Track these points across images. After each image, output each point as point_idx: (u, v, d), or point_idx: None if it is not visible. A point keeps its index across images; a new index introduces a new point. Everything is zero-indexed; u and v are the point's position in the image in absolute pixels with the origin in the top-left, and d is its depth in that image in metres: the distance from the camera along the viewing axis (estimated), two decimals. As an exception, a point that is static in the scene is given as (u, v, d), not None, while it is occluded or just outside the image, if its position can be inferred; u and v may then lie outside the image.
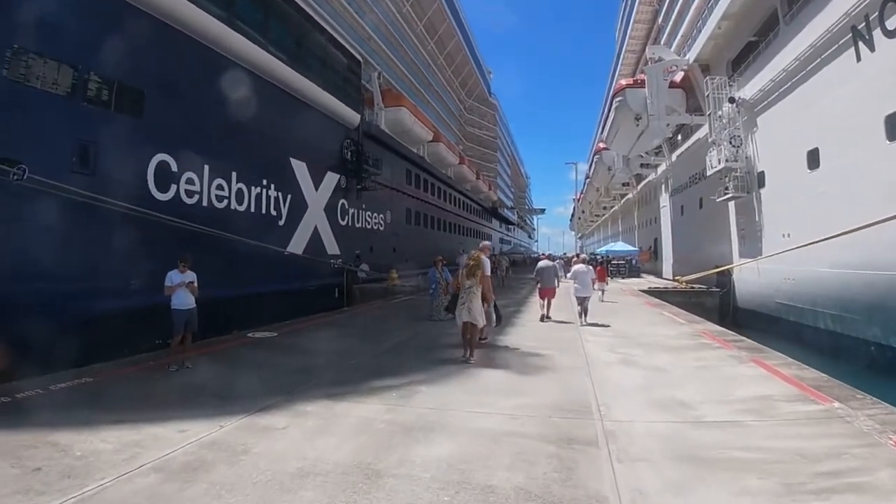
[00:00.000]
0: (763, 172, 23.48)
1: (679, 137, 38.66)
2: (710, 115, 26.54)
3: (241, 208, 18.39)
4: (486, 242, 14.19)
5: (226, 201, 17.64)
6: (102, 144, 13.42)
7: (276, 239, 19.94)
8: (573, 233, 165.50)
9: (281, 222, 20.70)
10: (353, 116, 26.80)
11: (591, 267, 17.53)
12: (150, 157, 14.76)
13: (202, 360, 10.41)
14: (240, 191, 18.31)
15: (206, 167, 16.72)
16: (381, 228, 31.81)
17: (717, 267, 27.03)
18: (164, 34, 15.23)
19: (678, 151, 38.34)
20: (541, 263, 17.88)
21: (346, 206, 26.69)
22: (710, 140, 26.63)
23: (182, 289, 9.93)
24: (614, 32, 67.12)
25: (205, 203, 16.68)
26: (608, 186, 65.28)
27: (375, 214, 30.77)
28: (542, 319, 15.96)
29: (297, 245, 21.59)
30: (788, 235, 20.41)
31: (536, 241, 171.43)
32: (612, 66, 67.81)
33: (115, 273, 13.39)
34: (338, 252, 25.02)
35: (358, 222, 28.32)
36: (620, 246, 44.61)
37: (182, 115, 15.81)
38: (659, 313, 17.96)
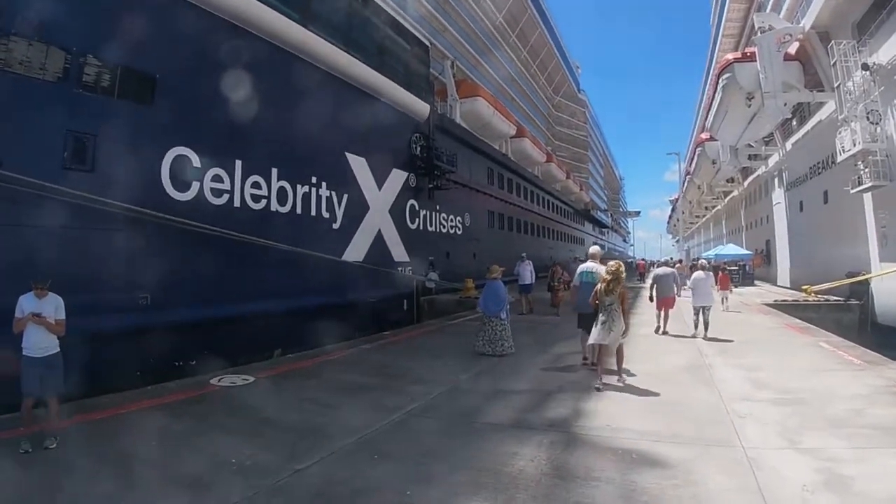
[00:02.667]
0: None
1: (794, 122, 33.45)
2: (837, 87, 21.97)
3: (285, 209, 15.95)
4: (596, 248, 11.67)
5: (264, 202, 15.21)
6: (102, 137, 11.29)
7: (328, 245, 17.37)
8: (670, 236, 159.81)
9: (335, 226, 18.07)
10: (421, 107, 23.90)
11: (710, 273, 15.46)
12: (165, 150, 12.49)
13: (78, 434, 6.51)
14: (282, 190, 15.85)
15: (239, 162, 14.36)
16: (459, 232, 28.73)
17: (853, 275, 22.52)
18: (182, 10, 13.03)
19: (794, 138, 33.13)
20: (658, 270, 16.22)
21: (417, 208, 23.82)
22: (839, 118, 22.01)
23: (34, 325, 6.16)
24: (709, 8, 61.63)
25: (237, 203, 14.33)
26: (711, 183, 59.22)
27: (452, 217, 27.75)
28: (657, 331, 14.55)
29: (355, 251, 18.89)
30: None
31: (632, 245, 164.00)
32: (709, 50, 62.29)
33: (116, 285, 11.24)
34: (406, 259, 22.18)
35: (431, 225, 25.38)
36: (731, 249, 38.73)
37: (206, 102, 13.54)
38: (814, 344, 12.60)
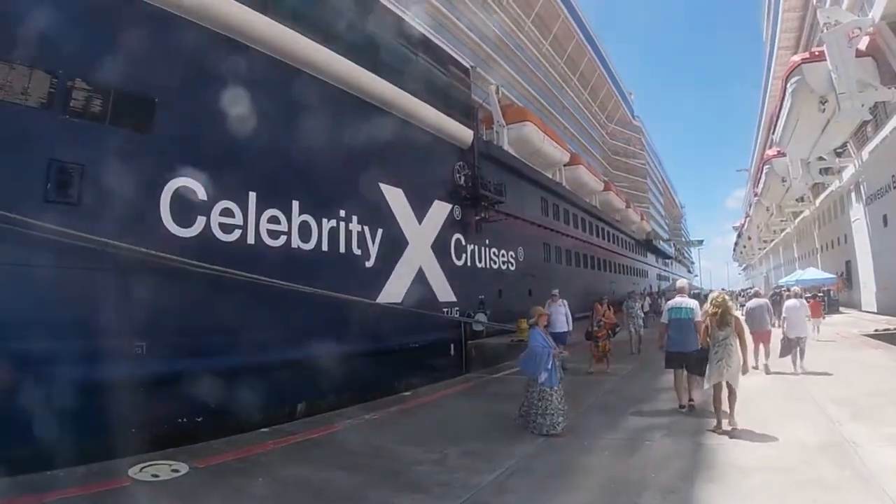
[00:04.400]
0: None
1: (868, 128, 30.47)
2: None
3: (308, 246, 14.12)
4: (684, 281, 11.65)
5: (283, 238, 13.42)
6: (92, 167, 9.96)
7: (360, 284, 15.51)
8: (736, 264, 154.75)
9: (368, 263, 16.16)
10: (464, 134, 22.00)
11: (804, 302, 14.56)
12: (164, 181, 10.94)
13: None
14: (304, 224, 14.03)
15: (253, 195, 12.68)
16: (512, 268, 26.40)
17: None
18: (187, 26, 11.64)
19: (871, 145, 29.91)
20: (751, 303, 14.82)
21: (463, 242, 21.70)
22: None
23: None
24: (760, 23, 58.72)
25: (251, 240, 12.59)
26: (781, 204, 55.25)
27: (503, 251, 25.48)
28: (759, 367, 13.29)
29: (393, 292, 16.88)
30: None
31: (696, 275, 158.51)
32: (765, 66, 59.27)
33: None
34: (453, 299, 20.07)
35: (480, 261, 23.15)
36: (812, 273, 35.41)
37: (214, 128, 11.99)
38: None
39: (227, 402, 10.88)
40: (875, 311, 30.70)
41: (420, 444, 7.93)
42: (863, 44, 24.42)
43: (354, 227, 15.66)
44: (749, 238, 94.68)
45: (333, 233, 14.94)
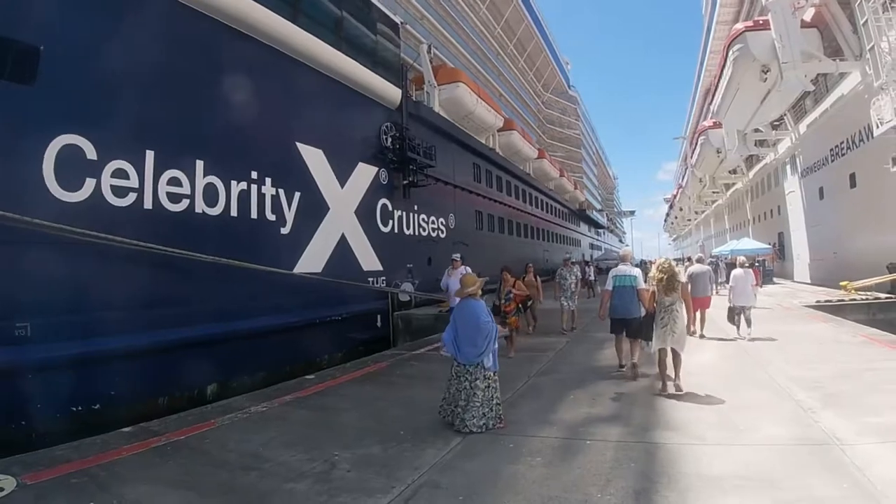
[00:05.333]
0: None
1: (807, 102, 30.64)
2: (871, 49, 19.11)
3: (214, 211, 12.68)
4: (628, 249, 11.47)
5: (185, 202, 11.95)
6: None
7: (275, 253, 14.24)
8: (667, 235, 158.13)
9: (284, 230, 14.84)
10: (392, 93, 20.74)
11: (750, 271, 13.92)
12: (48, 139, 9.49)
13: None
14: (210, 187, 12.59)
15: (151, 154, 11.19)
16: (442, 235, 25.43)
17: (894, 267, 19.75)
18: None
19: (809, 119, 30.18)
20: (694, 269, 14.52)
21: (390, 208, 20.56)
22: (875, 85, 19.09)
23: None
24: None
25: (148, 204, 11.11)
26: (714, 175, 55.93)
27: (433, 218, 24.48)
28: (692, 334, 11.36)
29: (312, 261, 15.65)
30: None
31: (628, 245, 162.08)
32: (703, 39, 59.33)
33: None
34: (379, 267, 18.99)
35: (408, 228, 22.10)
36: (748, 244, 35.42)
37: (106, 79, 10.59)
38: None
39: (121, 389, 9.93)
40: (808, 281, 31.16)
41: (307, 449, 6.17)
42: (808, 15, 24.26)
43: (268, 189, 14.27)
44: (681, 209, 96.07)
45: (244, 196, 13.52)
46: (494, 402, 6.77)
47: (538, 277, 16.12)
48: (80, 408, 9.33)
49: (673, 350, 8.44)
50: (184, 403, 9.85)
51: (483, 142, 35.02)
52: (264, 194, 14.14)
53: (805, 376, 8.68)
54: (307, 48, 16.08)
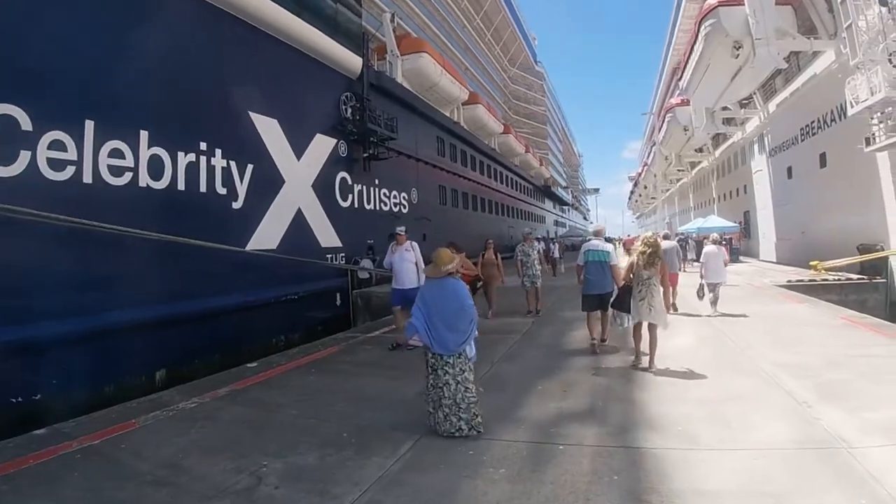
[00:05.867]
0: None
1: (777, 81, 30.64)
2: (847, 27, 18.84)
3: (160, 185, 11.81)
4: (601, 224, 11.69)
5: (128, 175, 11.05)
6: None
7: (227, 229, 13.42)
8: (631, 212, 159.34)
9: (236, 205, 13.99)
10: (352, 62, 19.90)
11: (722, 248, 13.98)
12: None
13: None
14: (155, 159, 11.71)
15: (90, 123, 10.29)
16: (405, 210, 24.81)
17: (866, 248, 19.91)
18: None
19: (779, 98, 30.22)
20: (662, 244, 12.97)
21: (350, 182, 19.82)
22: (851, 64, 18.90)
23: None
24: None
25: (87, 178, 10.22)
26: (681, 153, 56.26)
27: (395, 193, 23.84)
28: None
29: (266, 237, 14.84)
30: None
31: (592, 222, 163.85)
32: (673, 13, 58.87)
33: None
34: (338, 244, 18.28)
35: (369, 203, 21.40)
36: (715, 221, 35.32)
37: (39, 41, 9.62)
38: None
39: (61, 378, 9.12)
40: (774, 260, 31.32)
41: (234, 456, 5.30)
42: None
43: (218, 161, 13.41)
44: (645, 187, 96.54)
45: (192, 169, 12.65)
46: (476, 398, 5.91)
47: (499, 255, 14.43)
48: (20, 399, 8.58)
49: (650, 325, 8.35)
50: (132, 392, 9.15)
51: (447, 115, 34.37)
52: (214, 166, 13.27)
53: (791, 362, 8.10)
54: (262, 12, 15.18)
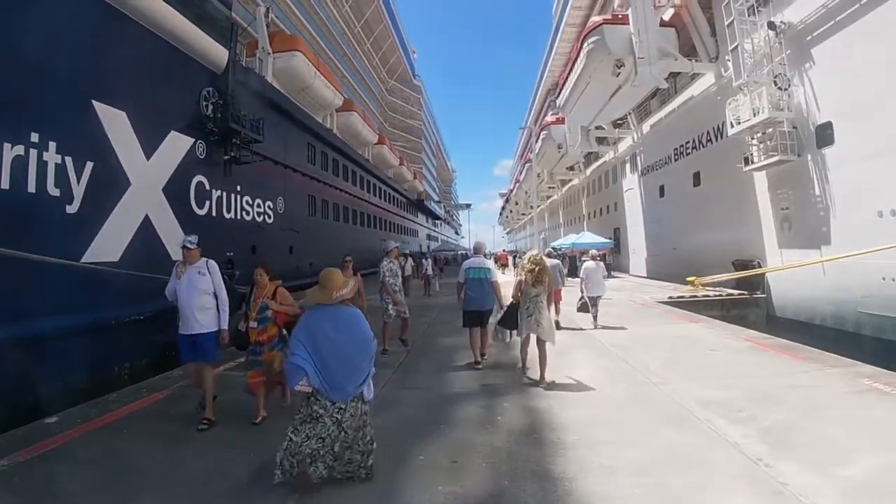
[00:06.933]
0: (829, 124, 16.60)
1: (651, 103, 31.98)
2: (733, 50, 19.55)
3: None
4: (481, 241, 11.59)
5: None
6: None
7: (59, 237, 11.51)
8: (501, 227, 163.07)
9: (71, 208, 11.94)
10: (217, 54, 18.12)
11: (601, 263, 14.88)
12: None
13: None
14: (-32, 150, 9.66)
15: None
16: (270, 220, 23.10)
17: (743, 264, 20.58)
18: None
19: (653, 119, 31.56)
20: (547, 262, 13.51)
21: (208, 187, 17.92)
22: (734, 85, 19.67)
23: None
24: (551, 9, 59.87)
25: None
26: (553, 171, 57.74)
27: (259, 201, 22.07)
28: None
29: (107, 247, 12.84)
30: (895, 213, 14.22)
31: (463, 237, 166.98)
32: (550, 37, 60.28)
33: None
34: (193, 256, 16.33)
35: (229, 211, 19.52)
36: (589, 237, 35.76)
37: None
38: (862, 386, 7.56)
39: None
40: (645, 275, 32.67)
41: None
42: (667, 15, 24.91)
43: (52, 157, 11.39)
44: (517, 203, 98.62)
45: (19, 164, 10.63)
46: (371, 443, 4.87)
47: (359, 275, 10.61)
48: None
49: (538, 340, 8.51)
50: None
51: (320, 121, 32.94)
52: (46, 162, 11.26)
53: (718, 399, 7.12)
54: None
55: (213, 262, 7.22)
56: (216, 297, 7.01)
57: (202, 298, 6.88)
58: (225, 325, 7.01)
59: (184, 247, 7.08)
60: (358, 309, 4.97)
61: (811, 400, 6.96)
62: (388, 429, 6.10)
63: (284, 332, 7.10)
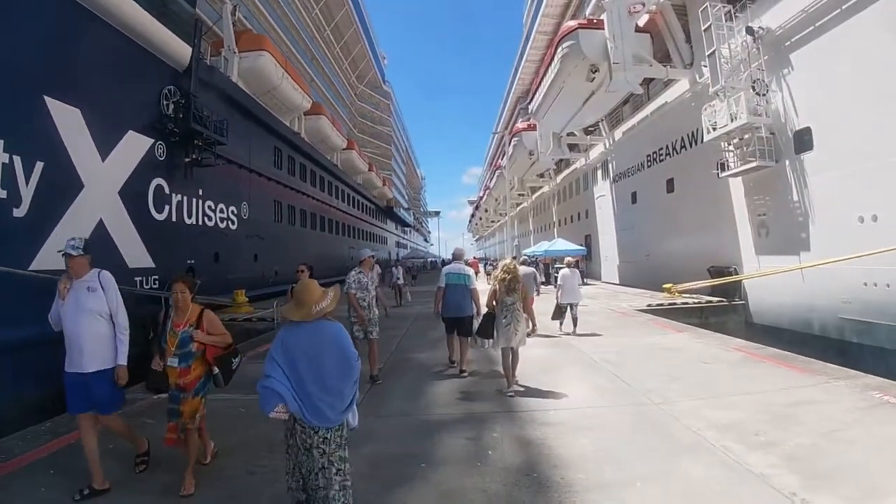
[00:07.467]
0: (808, 129, 16.40)
1: (624, 109, 31.83)
2: (710, 55, 19.17)
3: None
4: (461, 248, 11.14)
5: None
6: None
7: (3, 243, 10.68)
8: (471, 235, 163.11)
9: (18, 211, 11.12)
10: (180, 51, 17.39)
11: (577, 270, 14.75)
12: None
13: None
14: None
15: None
16: (233, 227, 22.31)
17: (719, 270, 20.37)
18: None
19: (626, 126, 31.33)
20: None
21: (167, 190, 17.13)
22: (712, 91, 19.30)
23: None
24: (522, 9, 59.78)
25: None
26: (524, 178, 57.50)
27: (222, 206, 21.27)
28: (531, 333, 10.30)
29: (57, 254, 11.84)
30: (875, 219, 14.09)
31: (433, 244, 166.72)
32: (521, 45, 60.15)
33: None
34: (150, 264, 15.57)
35: (190, 217, 18.68)
36: (562, 245, 35.38)
37: None
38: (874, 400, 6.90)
39: None
40: (617, 282, 32.37)
41: None
42: (642, 21, 24.63)
43: (-1, 156, 10.63)
44: (486, 210, 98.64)
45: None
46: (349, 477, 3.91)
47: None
48: None
49: (513, 349, 8.48)
50: None
51: (287, 124, 32.21)
52: (-11, 161, 10.48)
53: (730, 421, 6.33)
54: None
55: (107, 274, 5.17)
56: (112, 321, 5.05)
57: (93, 324, 4.93)
58: (123, 360, 5.01)
59: (65, 254, 4.95)
60: (340, 324, 4.08)
61: (827, 418, 6.32)
62: (361, 471, 4.95)
63: (216, 370, 5.20)
